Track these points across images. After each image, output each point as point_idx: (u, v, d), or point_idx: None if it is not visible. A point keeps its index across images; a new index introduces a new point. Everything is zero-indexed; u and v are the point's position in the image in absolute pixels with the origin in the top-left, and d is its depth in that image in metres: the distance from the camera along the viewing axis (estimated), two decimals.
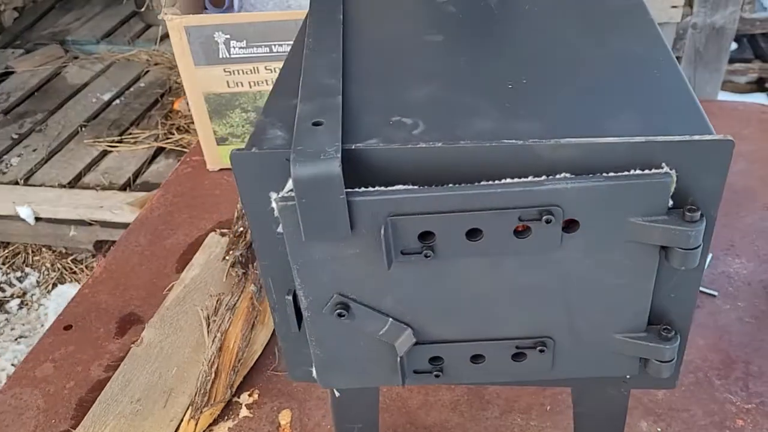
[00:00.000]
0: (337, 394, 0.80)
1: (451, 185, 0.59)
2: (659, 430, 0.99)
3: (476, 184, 0.59)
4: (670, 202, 0.59)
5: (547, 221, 0.59)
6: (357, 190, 0.60)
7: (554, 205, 0.59)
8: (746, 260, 1.23)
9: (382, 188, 0.60)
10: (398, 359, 0.69)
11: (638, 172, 0.58)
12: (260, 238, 0.66)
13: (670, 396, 1.03)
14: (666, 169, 0.58)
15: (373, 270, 0.64)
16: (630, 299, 0.65)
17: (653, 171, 0.58)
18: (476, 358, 0.70)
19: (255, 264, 1.27)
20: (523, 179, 0.59)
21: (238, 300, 1.19)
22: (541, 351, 0.68)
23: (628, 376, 0.72)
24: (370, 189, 0.60)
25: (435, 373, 0.71)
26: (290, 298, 0.68)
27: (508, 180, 0.59)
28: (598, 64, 0.70)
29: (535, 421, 1.02)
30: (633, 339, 0.67)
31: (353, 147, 0.60)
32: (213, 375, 1.07)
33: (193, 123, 3.15)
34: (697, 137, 0.57)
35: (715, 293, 1.17)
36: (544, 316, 0.67)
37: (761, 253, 1.24)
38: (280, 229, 0.63)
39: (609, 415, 0.81)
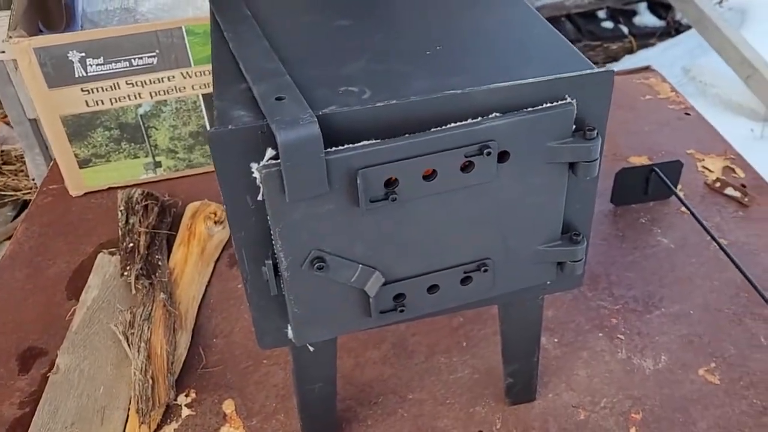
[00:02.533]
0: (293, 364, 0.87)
1: (407, 135, 0.70)
2: (556, 340, 1.17)
3: (428, 131, 0.70)
4: (573, 127, 0.75)
5: (488, 153, 0.72)
6: (330, 149, 0.68)
7: (491, 140, 0.72)
8: None
9: (351, 145, 0.69)
10: (369, 300, 0.79)
11: (549, 104, 0.73)
12: (235, 211, 0.72)
13: (557, 313, 1.22)
14: (568, 99, 0.73)
15: (345, 221, 0.73)
16: (549, 213, 0.81)
17: (560, 102, 0.73)
18: (432, 289, 0.81)
19: (158, 273, 1.28)
20: (464, 122, 0.71)
21: (151, 309, 1.20)
22: (485, 271, 0.81)
23: (548, 282, 0.88)
24: (341, 147, 0.69)
25: (399, 309, 0.81)
26: (270, 262, 0.74)
27: (453, 124, 0.71)
28: (490, 28, 0.84)
29: (456, 357, 1.15)
30: (552, 247, 0.83)
31: (320, 113, 0.68)
32: (150, 381, 1.07)
33: (4, 163, 2.92)
34: (587, 71, 0.73)
35: None
36: (485, 240, 0.80)
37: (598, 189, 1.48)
38: (259, 197, 0.70)
39: (529, 322, 0.97)
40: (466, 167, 0.73)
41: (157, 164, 1.56)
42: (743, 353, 1.13)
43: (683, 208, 1.42)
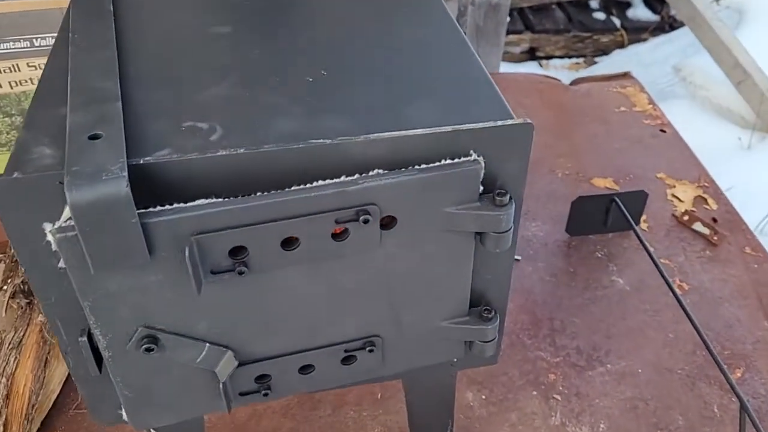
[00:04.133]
0: None
1: (259, 194, 0.54)
2: (483, 397, 1.03)
3: (287, 189, 0.55)
4: (481, 188, 0.59)
5: (365, 221, 0.56)
6: (152, 209, 0.52)
7: (370, 204, 0.56)
8: (541, 222, 1.32)
9: (182, 205, 0.53)
10: (220, 385, 0.63)
11: (449, 161, 0.57)
12: (37, 275, 0.56)
13: None
14: (474, 156, 0.58)
15: (180, 295, 0.57)
16: (451, 287, 0.65)
17: (462, 159, 0.57)
18: (305, 369, 0.66)
19: None
20: (335, 180, 0.55)
21: (24, 335, 1.04)
22: (371, 351, 0.66)
23: (455, 360, 0.73)
24: (168, 207, 0.53)
25: (263, 391, 0.66)
26: (85, 339, 0.59)
27: (321, 182, 0.55)
28: (394, 51, 0.68)
29: (367, 411, 1.01)
30: (457, 324, 0.68)
31: (141, 161, 0.52)
32: (1, 428, 0.92)
33: None
34: (500, 123, 0.57)
35: (519, 258, 1.24)
36: (370, 316, 0.65)
37: (553, 214, 1.33)
38: (62, 264, 0.54)
39: (439, 396, 0.82)
40: (340, 234, 0.57)
41: None
42: (692, 426, 0.99)
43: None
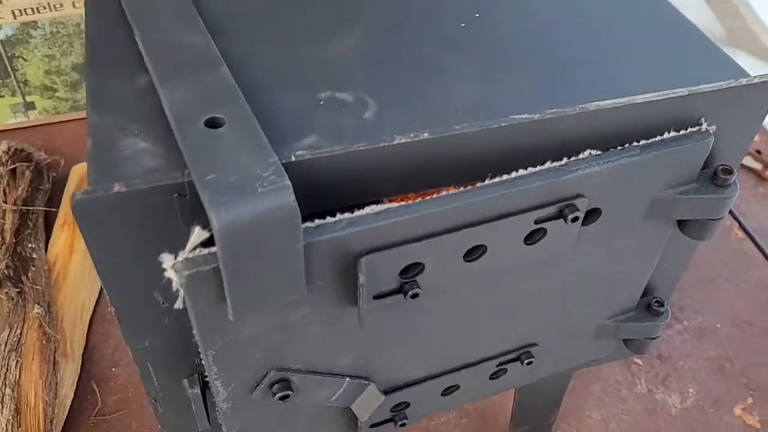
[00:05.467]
0: None
1: (447, 194, 0.39)
2: None
3: (481, 186, 0.40)
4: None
5: (573, 219, 0.42)
6: (310, 224, 0.37)
7: (578, 196, 0.42)
8: None
9: (349, 215, 0.38)
10: (356, 421, 0.50)
11: (673, 134, 0.44)
12: (133, 316, 0.40)
13: None
14: (705, 125, 0.44)
15: (328, 328, 0.42)
16: (630, 281, 0.53)
17: (690, 131, 0.44)
18: (448, 389, 0.54)
19: (32, 273, 0.94)
20: (539, 169, 0.41)
21: (21, 333, 0.86)
22: (529, 363, 0.54)
23: (602, 356, 0.62)
24: (331, 220, 0.37)
25: (399, 421, 0.53)
26: (198, 392, 0.44)
27: (522, 172, 0.41)
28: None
29: None
30: (623, 321, 0.56)
31: (293, 159, 0.36)
32: None
33: None
34: (744, 81, 0.43)
35: None
36: (534, 323, 0.52)
37: None
38: (177, 304, 0.38)
39: (553, 388, 0.72)
40: (533, 235, 0.43)
41: (29, 105, 1.17)
42: None
43: None
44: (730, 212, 1.03)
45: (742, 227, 1.00)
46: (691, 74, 0.43)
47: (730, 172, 0.46)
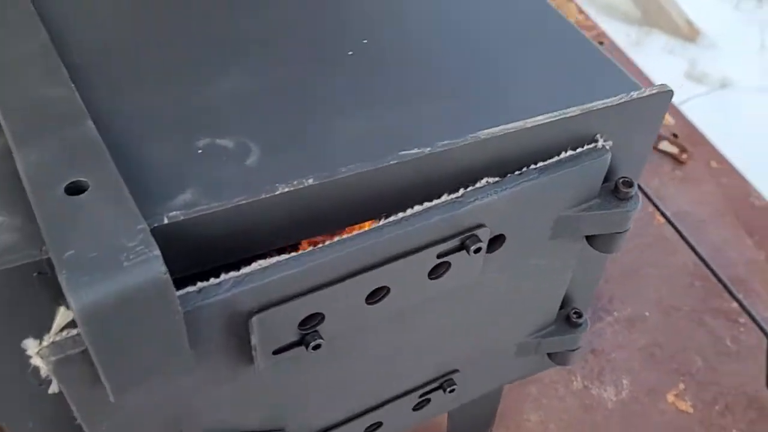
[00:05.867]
0: None
1: (341, 240, 0.37)
2: None
3: (377, 227, 0.38)
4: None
5: (476, 250, 0.41)
6: (191, 289, 0.34)
7: (479, 226, 0.41)
8: None
9: (235, 273, 0.35)
10: None
11: (569, 153, 0.43)
12: (10, 398, 0.37)
13: None
14: (601, 141, 0.43)
15: (230, 387, 0.40)
16: (546, 299, 0.52)
17: (586, 148, 0.43)
18: (372, 427, 0.52)
19: None
20: (436, 203, 0.39)
21: None
22: (451, 391, 0.52)
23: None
24: (215, 281, 0.35)
25: None
26: None
27: (418, 208, 0.39)
28: (458, 14, 0.50)
29: None
30: (544, 336, 0.55)
31: (165, 221, 0.34)
32: None
33: None
34: (636, 95, 0.42)
35: None
36: (451, 351, 0.51)
37: None
38: (54, 388, 0.35)
39: (486, 404, 0.71)
40: (436, 270, 0.42)
41: None
42: (711, 365, 0.95)
43: None
44: (649, 199, 1.04)
45: (661, 213, 1.02)
46: (584, 92, 0.42)
47: (630, 184, 0.45)
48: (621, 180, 0.45)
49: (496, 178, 0.41)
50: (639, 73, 1.44)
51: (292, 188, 0.36)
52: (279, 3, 0.48)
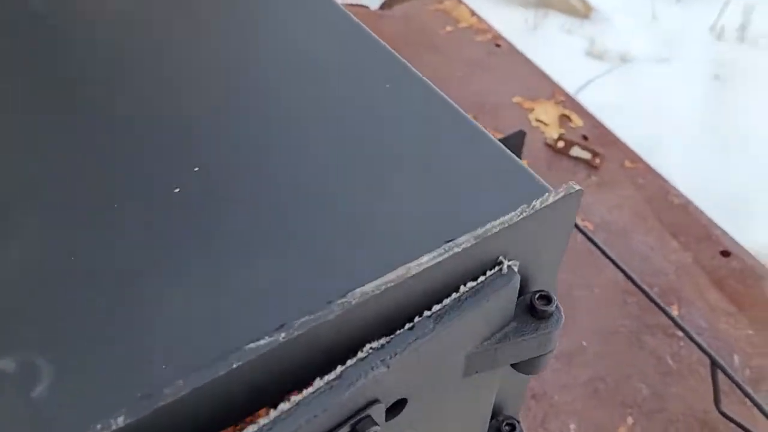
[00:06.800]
0: None
1: None
2: None
3: None
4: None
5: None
6: None
7: (372, 403, 0.32)
8: None
9: None
10: None
11: (470, 285, 0.34)
12: None
13: None
14: (506, 264, 0.35)
15: None
16: (470, 425, 0.44)
17: (489, 275, 0.34)
18: None
19: None
20: (308, 392, 0.30)
21: None
22: None
23: None
24: None
25: None
26: None
27: (284, 407, 0.29)
28: (306, 117, 0.41)
29: None
30: None
31: None
32: None
33: None
34: (538, 204, 0.34)
35: None
36: None
37: None
38: None
39: None
40: None
41: None
42: (657, 391, 0.90)
43: None
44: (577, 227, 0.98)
45: (582, 233, 0.96)
46: (474, 211, 0.34)
47: (548, 299, 0.37)
48: (537, 295, 0.37)
49: (382, 341, 0.32)
50: (542, 75, 1.38)
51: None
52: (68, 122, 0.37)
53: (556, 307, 0.37)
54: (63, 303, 0.30)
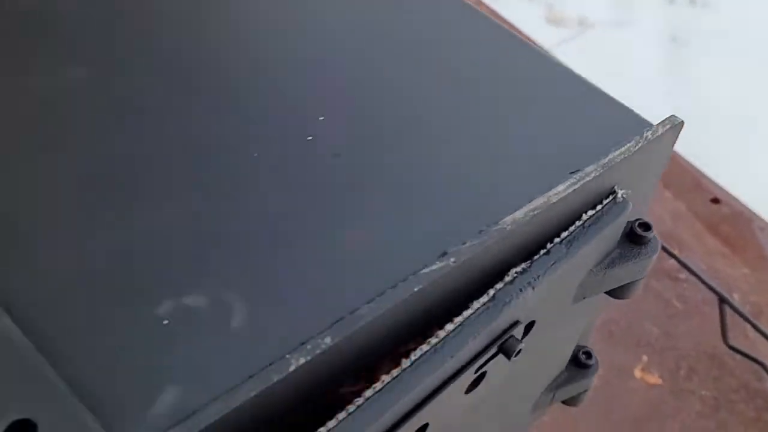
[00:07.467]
0: None
1: (377, 396, 0.30)
2: None
3: (409, 368, 0.31)
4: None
5: (517, 352, 0.35)
6: None
7: (515, 324, 0.34)
8: None
9: None
10: None
11: (590, 213, 0.37)
12: None
13: None
14: (620, 194, 0.38)
15: None
16: (562, 354, 0.47)
17: (606, 204, 0.37)
18: None
19: None
20: (468, 314, 0.32)
21: None
22: None
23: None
24: None
25: None
26: None
27: (449, 327, 0.32)
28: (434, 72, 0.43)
29: None
30: (557, 387, 0.50)
31: None
32: None
33: None
34: (650, 135, 0.37)
35: None
36: None
37: None
38: None
39: None
40: (474, 383, 0.35)
41: None
42: (667, 331, 0.95)
43: None
44: None
45: None
46: (594, 143, 0.37)
47: (648, 227, 0.40)
48: (637, 223, 0.40)
49: (523, 266, 0.34)
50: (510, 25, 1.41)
51: (309, 357, 0.27)
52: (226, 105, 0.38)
53: (654, 235, 0.41)
54: (236, 247, 0.32)
